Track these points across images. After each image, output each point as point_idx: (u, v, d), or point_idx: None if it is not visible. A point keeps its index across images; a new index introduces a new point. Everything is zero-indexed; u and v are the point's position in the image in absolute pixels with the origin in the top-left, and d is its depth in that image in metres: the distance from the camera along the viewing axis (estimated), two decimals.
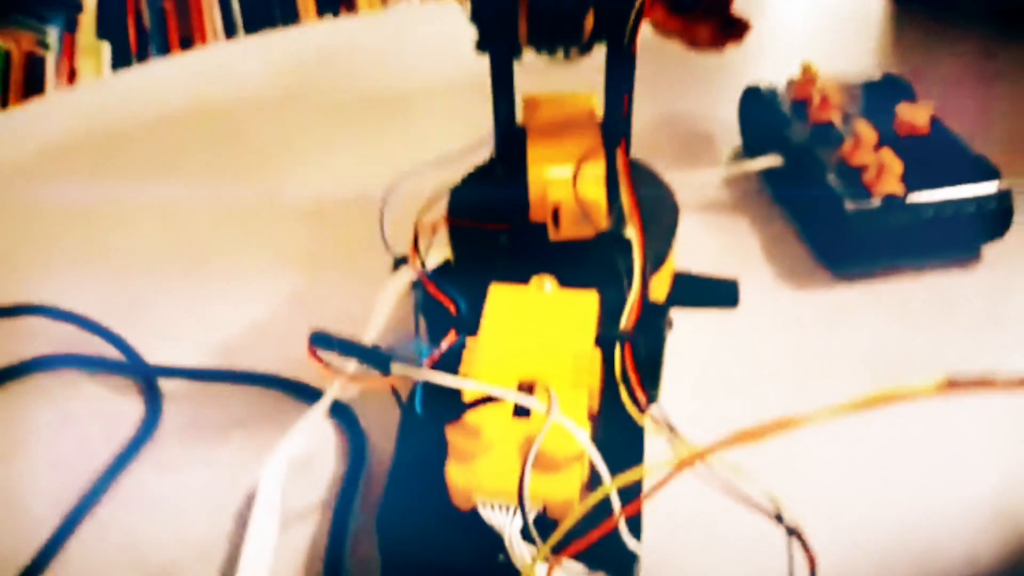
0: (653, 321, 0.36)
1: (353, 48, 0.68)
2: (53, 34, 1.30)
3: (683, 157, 0.54)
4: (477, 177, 0.41)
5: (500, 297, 0.34)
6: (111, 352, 0.41)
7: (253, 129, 0.58)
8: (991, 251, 0.45)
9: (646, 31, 0.45)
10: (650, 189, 0.43)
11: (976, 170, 0.44)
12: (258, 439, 0.37)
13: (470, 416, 0.28)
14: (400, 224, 0.40)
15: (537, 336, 0.32)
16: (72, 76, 1.35)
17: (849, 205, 0.43)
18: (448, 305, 0.35)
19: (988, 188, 0.43)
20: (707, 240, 0.47)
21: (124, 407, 0.39)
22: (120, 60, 1.43)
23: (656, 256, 0.40)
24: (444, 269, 0.40)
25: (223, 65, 0.67)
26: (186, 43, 1.54)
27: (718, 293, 0.43)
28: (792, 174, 0.47)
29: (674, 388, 0.37)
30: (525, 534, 0.27)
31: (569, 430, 0.27)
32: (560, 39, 0.35)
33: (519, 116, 0.39)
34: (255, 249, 0.48)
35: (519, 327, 0.33)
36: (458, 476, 0.28)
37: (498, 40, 0.35)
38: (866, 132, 0.45)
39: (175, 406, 0.39)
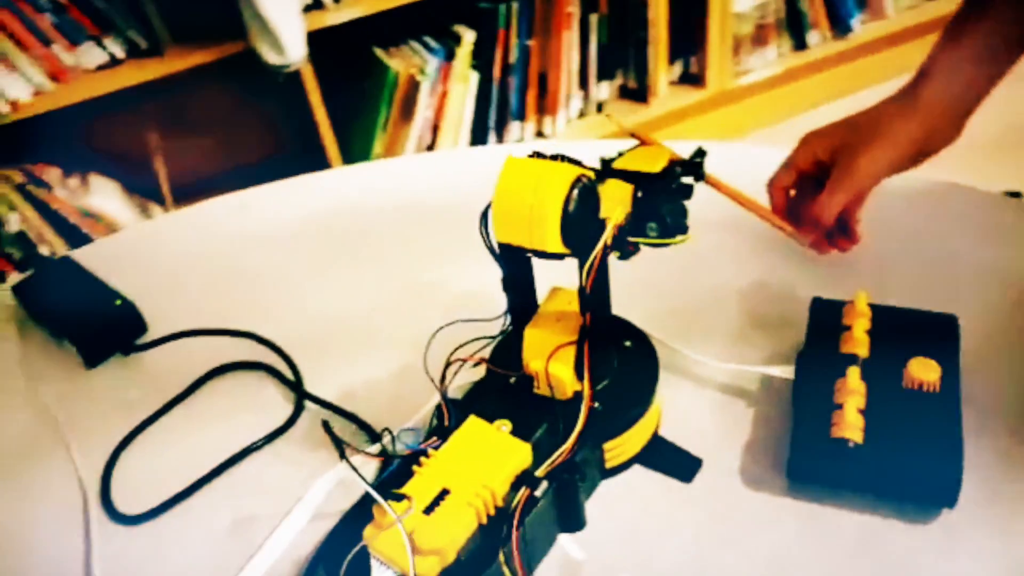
0: (570, 474, 0.49)
1: None
2: (433, 63, 1.63)
3: (745, 341, 0.63)
4: (510, 337, 0.56)
5: (470, 427, 0.50)
6: (287, 372, 0.64)
7: (436, 228, 0.78)
8: (948, 516, 0.49)
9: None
10: (644, 365, 0.54)
11: (939, 446, 0.49)
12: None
13: (391, 502, 0.45)
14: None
15: (473, 462, 0.48)
16: (443, 97, 1.68)
17: (799, 432, 0.51)
18: (446, 417, 0.52)
19: (937, 467, 0.48)
20: (710, 419, 0.57)
21: (280, 408, 0.62)
22: (484, 87, 1.73)
23: (627, 419, 0.52)
24: (475, 388, 0.56)
25: (466, 165, 0.88)
26: (543, 78, 1.80)
27: (679, 466, 0.54)
28: (800, 388, 0.55)
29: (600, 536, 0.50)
30: None
31: (401, 535, 0.42)
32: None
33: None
34: (393, 328, 0.68)
35: (468, 451, 0.49)
36: (369, 537, 0.45)
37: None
38: (854, 377, 0.52)
39: (306, 419, 0.61)
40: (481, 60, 1.70)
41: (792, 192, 0.60)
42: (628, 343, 0.56)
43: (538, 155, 0.47)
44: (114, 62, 1.48)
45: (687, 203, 0.51)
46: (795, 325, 0.61)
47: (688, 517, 0.52)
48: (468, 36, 1.66)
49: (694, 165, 0.53)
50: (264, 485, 0.57)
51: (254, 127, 1.79)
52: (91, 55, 1.46)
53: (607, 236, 0.46)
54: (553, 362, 0.50)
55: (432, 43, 1.66)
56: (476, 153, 1.00)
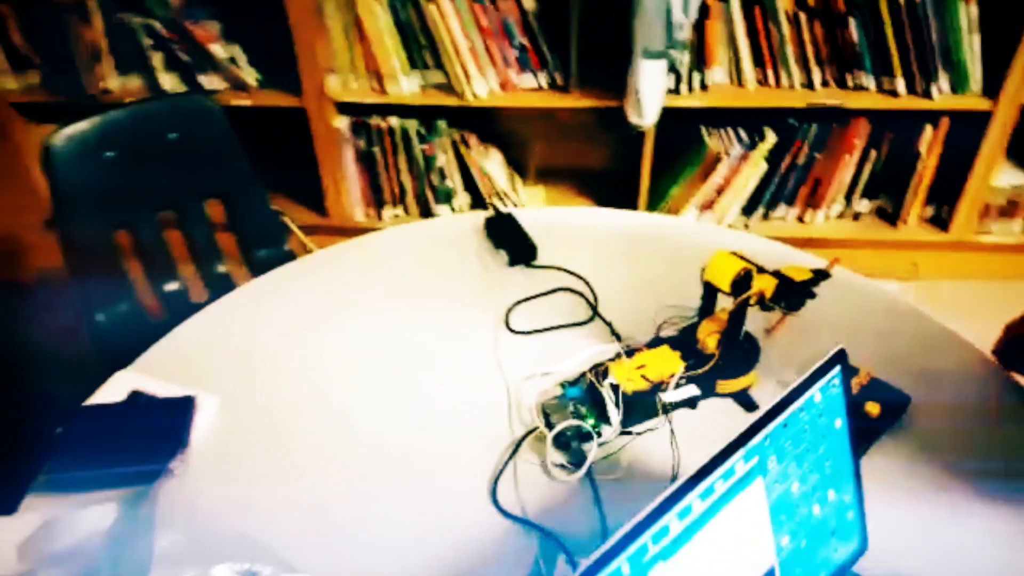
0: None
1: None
2: (737, 149, 2.26)
3: None
4: (694, 326, 1.22)
5: (660, 351, 1.17)
6: None
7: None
8: None
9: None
10: (750, 354, 1.18)
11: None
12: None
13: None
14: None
15: (657, 359, 1.15)
16: (735, 173, 2.31)
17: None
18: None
19: None
20: None
21: None
22: (768, 175, 2.34)
23: (737, 371, 1.17)
24: (685, 330, 1.23)
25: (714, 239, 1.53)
26: (817, 182, 2.36)
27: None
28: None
29: None
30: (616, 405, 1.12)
31: (628, 367, 1.11)
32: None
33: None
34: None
35: (655, 357, 1.16)
36: (612, 365, 1.14)
37: None
38: None
39: None
40: (773, 156, 2.31)
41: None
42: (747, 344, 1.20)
43: (734, 254, 1.12)
44: (539, 88, 2.28)
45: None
46: None
47: None
48: (771, 137, 2.27)
49: (818, 279, 1.16)
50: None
51: (602, 151, 2.54)
52: (527, 79, 2.28)
53: (743, 296, 1.10)
54: (707, 337, 1.16)
55: (743, 134, 2.29)
56: (719, 233, 1.64)
